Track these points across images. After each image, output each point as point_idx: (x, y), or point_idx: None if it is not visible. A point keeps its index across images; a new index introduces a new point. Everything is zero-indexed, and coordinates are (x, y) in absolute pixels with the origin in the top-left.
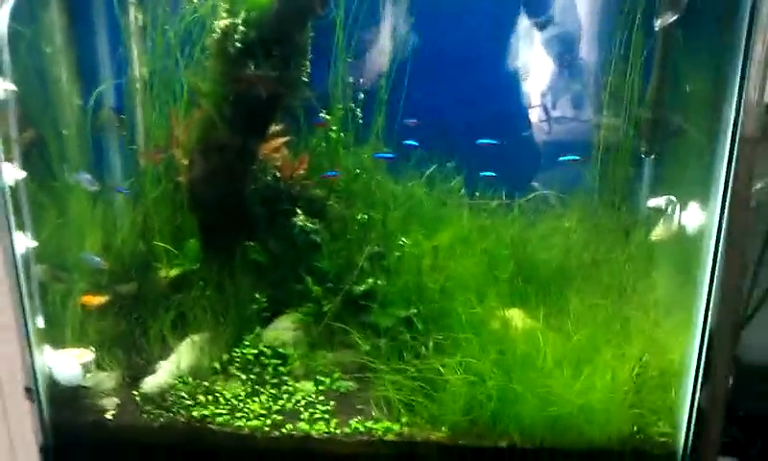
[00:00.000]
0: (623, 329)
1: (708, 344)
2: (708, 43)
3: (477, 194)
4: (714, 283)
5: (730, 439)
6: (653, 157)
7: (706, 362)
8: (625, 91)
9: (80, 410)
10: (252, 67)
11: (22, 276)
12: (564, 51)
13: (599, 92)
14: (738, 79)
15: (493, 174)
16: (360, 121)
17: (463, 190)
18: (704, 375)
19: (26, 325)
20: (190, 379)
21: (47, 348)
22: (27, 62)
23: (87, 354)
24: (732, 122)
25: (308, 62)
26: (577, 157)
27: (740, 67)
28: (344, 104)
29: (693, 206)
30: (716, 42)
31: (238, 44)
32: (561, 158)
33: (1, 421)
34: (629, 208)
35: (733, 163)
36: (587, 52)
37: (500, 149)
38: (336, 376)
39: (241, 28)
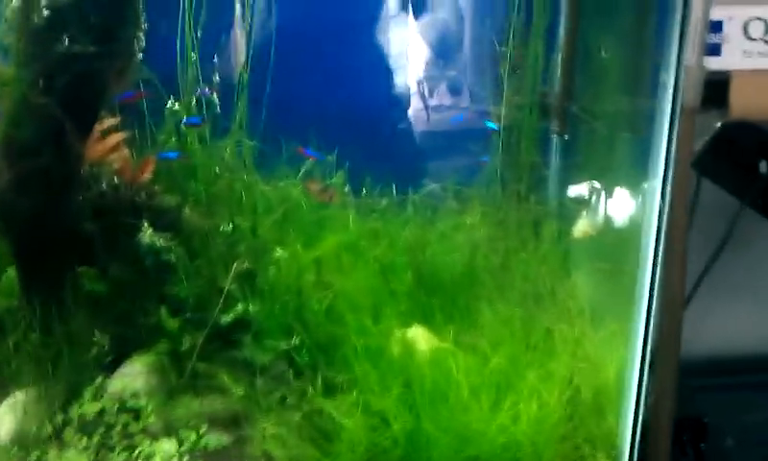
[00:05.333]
0: (547, 345)
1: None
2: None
3: (364, 191)
4: (653, 279)
5: None
6: (566, 137)
7: (650, 369)
8: (527, 63)
9: None
10: (66, 41)
11: None
12: (452, 25)
13: (495, 67)
14: (677, 42)
15: None
16: (218, 109)
17: (347, 188)
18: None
19: None
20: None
21: None
22: None
23: None
24: (671, 90)
25: (142, 35)
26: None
27: (679, 29)
28: (195, 88)
29: (621, 192)
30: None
31: (45, 11)
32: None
33: None
34: (539, 199)
35: (674, 137)
36: (477, 21)
37: (388, 139)
38: (203, 430)
39: None
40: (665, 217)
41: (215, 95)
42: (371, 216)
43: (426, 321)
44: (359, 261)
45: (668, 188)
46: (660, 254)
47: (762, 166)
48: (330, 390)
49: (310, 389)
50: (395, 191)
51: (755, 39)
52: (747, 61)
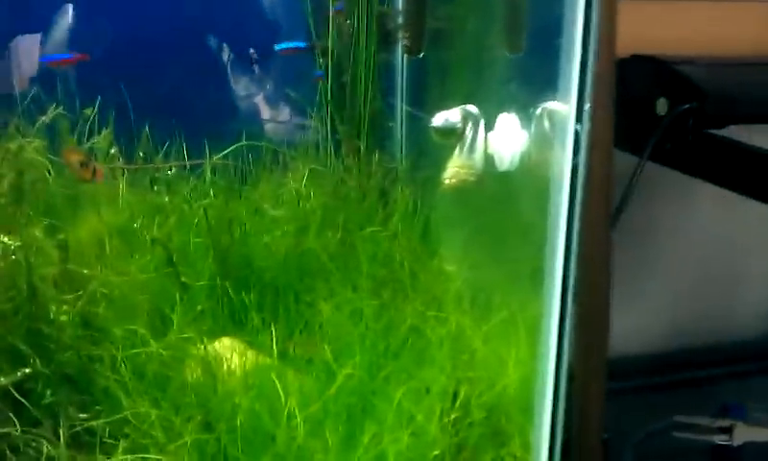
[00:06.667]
0: (415, 349)
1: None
2: None
3: (142, 155)
4: (569, 239)
5: None
6: (421, 55)
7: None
8: None
9: None
10: None
11: None
12: None
13: None
14: None
15: None
16: None
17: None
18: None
19: None
20: None
21: None
22: None
23: None
24: None
25: None
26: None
27: None
28: None
29: (508, 118)
30: None
31: None
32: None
33: None
34: (386, 153)
35: (592, 25)
36: None
37: (174, 84)
38: None
39: None
40: (583, 149)
41: None
42: (152, 189)
43: (238, 327)
44: (133, 248)
45: (585, 105)
46: (579, 201)
47: (660, 105)
48: (85, 446)
49: (50, 447)
50: (185, 155)
51: None
52: None
